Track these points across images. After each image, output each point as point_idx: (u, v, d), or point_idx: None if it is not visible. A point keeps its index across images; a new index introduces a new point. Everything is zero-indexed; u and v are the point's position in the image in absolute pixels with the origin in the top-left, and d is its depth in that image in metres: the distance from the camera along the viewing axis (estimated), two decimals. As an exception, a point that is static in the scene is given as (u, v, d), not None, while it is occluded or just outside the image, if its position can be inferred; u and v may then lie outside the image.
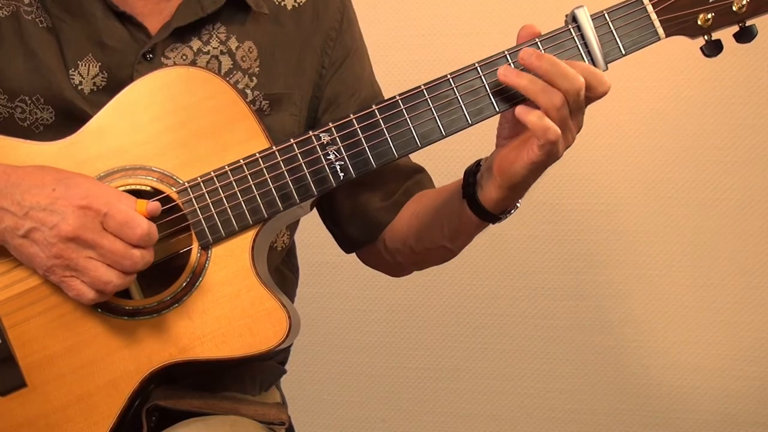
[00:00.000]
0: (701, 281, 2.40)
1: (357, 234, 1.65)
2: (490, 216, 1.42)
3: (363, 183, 1.59)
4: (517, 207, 1.44)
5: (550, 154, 1.30)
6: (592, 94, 1.32)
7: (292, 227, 1.65)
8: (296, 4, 1.58)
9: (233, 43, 1.52)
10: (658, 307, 2.43)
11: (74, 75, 1.48)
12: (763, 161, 2.32)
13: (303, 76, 1.57)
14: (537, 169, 1.32)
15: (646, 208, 2.40)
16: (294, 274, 1.71)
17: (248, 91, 1.52)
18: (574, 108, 1.30)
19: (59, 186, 1.32)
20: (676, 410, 2.46)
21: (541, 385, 2.53)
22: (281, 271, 1.65)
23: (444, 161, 1.74)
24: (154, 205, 1.33)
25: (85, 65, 1.48)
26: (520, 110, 1.29)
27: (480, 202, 1.41)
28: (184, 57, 1.50)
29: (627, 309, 2.45)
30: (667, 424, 2.47)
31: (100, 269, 1.31)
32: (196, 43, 1.51)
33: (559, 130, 1.28)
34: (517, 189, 1.37)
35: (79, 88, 1.47)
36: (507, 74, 1.32)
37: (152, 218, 1.34)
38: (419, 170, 1.66)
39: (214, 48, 1.51)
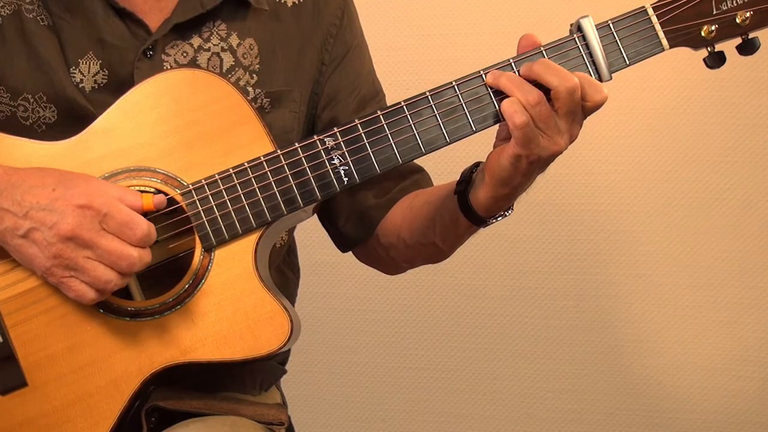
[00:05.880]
0: (701, 281, 2.40)
1: (352, 232, 1.65)
2: (477, 217, 1.42)
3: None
4: (506, 215, 1.43)
5: (524, 145, 1.30)
6: (589, 102, 1.32)
7: (291, 224, 1.65)
8: (296, 1, 1.58)
9: (234, 40, 1.52)
10: (658, 307, 2.43)
11: (75, 73, 1.47)
12: (763, 161, 2.32)
13: (303, 72, 1.57)
14: (519, 163, 1.31)
15: (646, 208, 2.40)
16: (295, 274, 1.72)
17: (249, 89, 1.52)
18: (565, 109, 1.31)
19: (59, 186, 1.31)
20: (676, 410, 2.47)
21: (541, 385, 2.53)
22: (282, 270, 1.65)
23: (445, 163, 1.73)
24: (160, 198, 1.34)
25: (86, 63, 1.48)
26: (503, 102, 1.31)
27: (469, 201, 1.41)
28: (184, 54, 1.50)
29: (627, 309, 2.45)
30: (667, 424, 2.47)
31: (99, 269, 1.30)
32: (196, 41, 1.51)
33: (526, 118, 1.29)
34: (504, 187, 1.36)
35: (80, 86, 1.47)
36: (493, 75, 1.34)
37: (155, 217, 1.34)
38: (418, 170, 1.66)
39: (215, 45, 1.51)
